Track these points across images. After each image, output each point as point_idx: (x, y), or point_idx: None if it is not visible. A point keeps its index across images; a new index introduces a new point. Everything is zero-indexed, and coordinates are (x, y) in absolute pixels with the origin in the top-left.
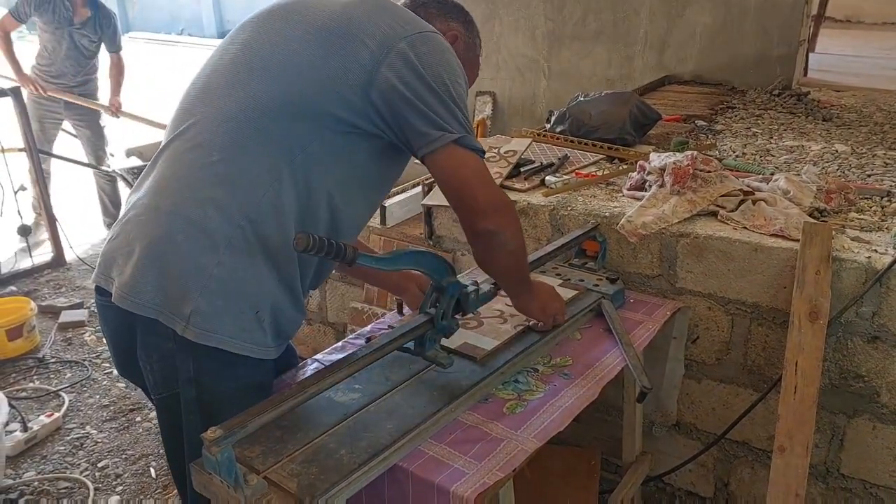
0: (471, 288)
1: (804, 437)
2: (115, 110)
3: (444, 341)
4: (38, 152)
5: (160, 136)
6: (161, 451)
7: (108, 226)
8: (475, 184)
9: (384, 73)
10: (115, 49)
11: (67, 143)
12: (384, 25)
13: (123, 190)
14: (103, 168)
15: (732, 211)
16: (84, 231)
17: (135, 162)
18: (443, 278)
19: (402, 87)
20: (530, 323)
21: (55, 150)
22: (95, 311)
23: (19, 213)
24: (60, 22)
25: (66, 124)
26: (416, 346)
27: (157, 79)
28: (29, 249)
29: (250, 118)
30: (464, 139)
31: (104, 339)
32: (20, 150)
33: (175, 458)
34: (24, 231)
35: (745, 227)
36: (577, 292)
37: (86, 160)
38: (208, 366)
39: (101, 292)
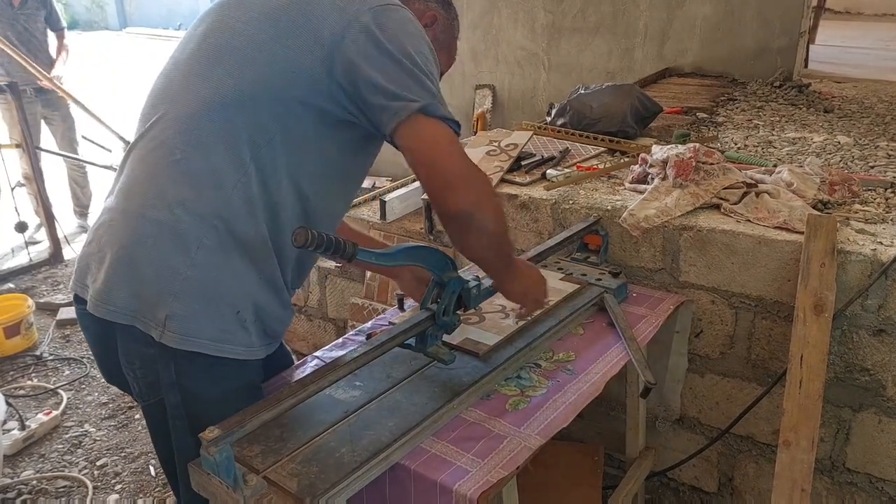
0: (472, 283)
1: (809, 432)
2: (51, 84)
3: (445, 337)
4: (36, 149)
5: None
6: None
7: (80, 216)
8: (444, 156)
9: (346, 47)
10: (59, 27)
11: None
12: (350, 8)
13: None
14: (99, 164)
15: (736, 203)
16: (77, 228)
17: None
18: (444, 273)
19: (364, 60)
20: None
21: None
22: None
23: (16, 210)
24: (1, 9)
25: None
26: (418, 342)
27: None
28: (27, 246)
29: (212, 112)
30: (430, 107)
31: (89, 347)
32: (16, 146)
33: (167, 462)
34: (22, 227)
35: (748, 220)
36: (579, 287)
37: (57, 148)
38: (190, 370)
39: (79, 300)
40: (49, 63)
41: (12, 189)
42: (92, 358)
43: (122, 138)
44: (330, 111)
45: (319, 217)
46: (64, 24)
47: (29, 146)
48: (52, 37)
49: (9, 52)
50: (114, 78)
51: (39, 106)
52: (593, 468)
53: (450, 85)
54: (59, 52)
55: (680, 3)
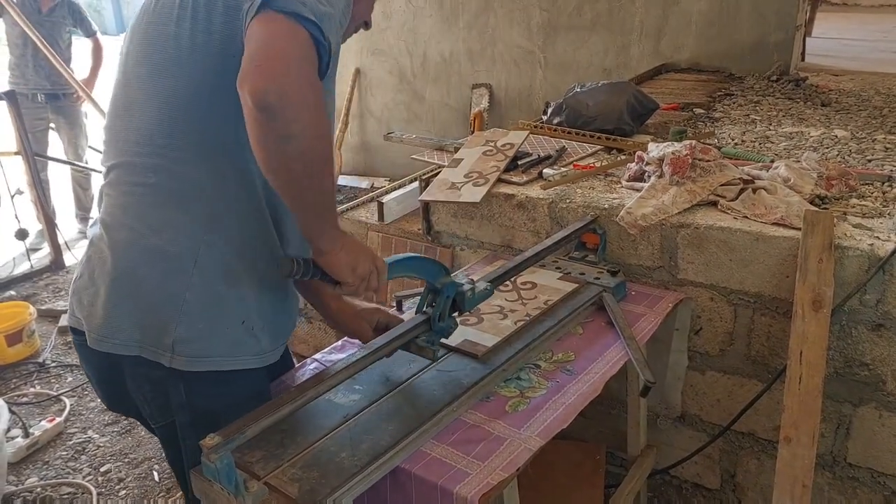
0: (467, 286)
1: (810, 427)
2: (83, 94)
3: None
4: (35, 156)
5: None
6: (163, 455)
7: (81, 220)
8: (265, 45)
9: None
10: (90, 33)
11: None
12: None
13: None
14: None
15: (733, 200)
16: (78, 233)
17: None
18: (437, 280)
19: None
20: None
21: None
22: None
23: (17, 218)
24: (29, 13)
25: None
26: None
27: None
28: (28, 254)
29: (169, 126)
30: (274, 2)
31: (88, 379)
32: (15, 153)
33: (187, 482)
34: (22, 235)
35: (745, 217)
36: (577, 286)
37: (63, 153)
38: (200, 388)
39: (76, 332)
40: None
41: (12, 196)
42: None
43: None
44: None
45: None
46: (96, 28)
47: (28, 153)
48: (84, 43)
49: (51, 59)
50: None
51: (49, 112)
52: (595, 467)
53: (447, 85)
54: (95, 58)
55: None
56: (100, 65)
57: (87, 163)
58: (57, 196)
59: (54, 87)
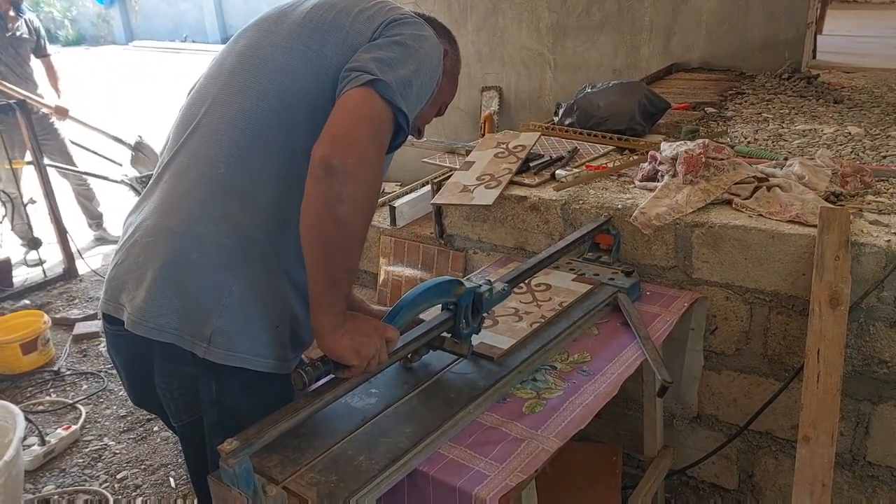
0: (484, 287)
1: (829, 426)
2: (63, 114)
3: None
4: (46, 166)
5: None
6: (180, 461)
7: (94, 227)
8: (356, 121)
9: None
10: (44, 53)
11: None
12: (381, 15)
13: (132, 200)
14: (112, 178)
15: (747, 198)
16: (94, 241)
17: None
18: (451, 294)
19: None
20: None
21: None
22: None
23: (29, 226)
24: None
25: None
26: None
27: (162, 85)
28: (40, 262)
29: (252, 124)
30: (380, 84)
31: (116, 371)
32: (27, 163)
33: (199, 481)
34: (35, 244)
35: (760, 215)
36: (591, 287)
37: (64, 176)
38: (231, 386)
39: (111, 320)
40: (34, 90)
41: (25, 206)
42: (110, 372)
43: (129, 146)
44: None
45: None
46: (49, 50)
47: (40, 163)
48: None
49: (12, 91)
50: (112, 91)
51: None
52: (612, 468)
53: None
54: (52, 81)
55: None
56: (58, 81)
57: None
58: (66, 203)
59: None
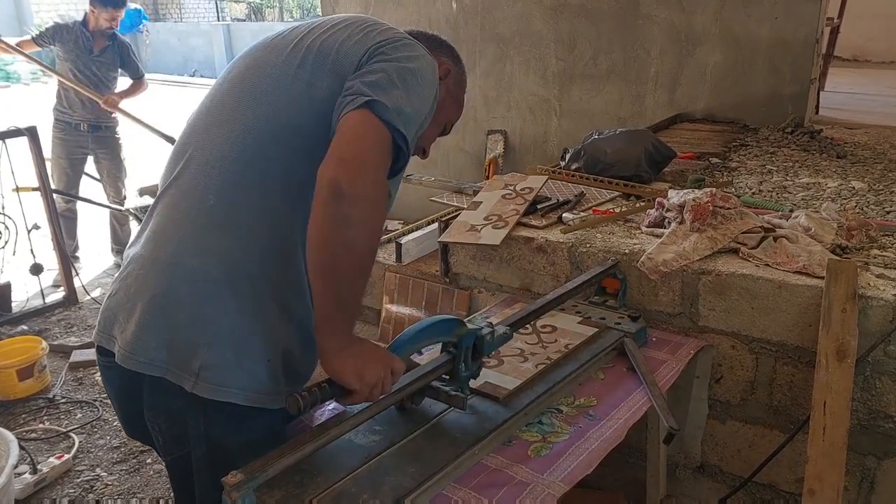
0: (485, 331)
1: (835, 480)
2: (113, 105)
3: None
4: (52, 192)
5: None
6: (173, 494)
7: (117, 253)
8: (358, 142)
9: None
10: (137, 76)
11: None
12: (369, 40)
13: (135, 228)
14: (116, 207)
15: (754, 248)
16: (97, 269)
17: (147, 201)
18: (452, 334)
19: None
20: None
21: (80, 191)
22: None
23: (32, 252)
24: (80, 52)
25: (90, 166)
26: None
27: (166, 117)
28: (41, 288)
29: (243, 156)
30: (379, 106)
31: (110, 401)
32: (34, 189)
33: None
34: (37, 270)
35: (767, 264)
36: (598, 330)
37: (105, 194)
38: (219, 420)
39: (103, 352)
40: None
41: (28, 231)
42: (105, 401)
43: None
44: None
45: None
46: (143, 73)
47: (46, 189)
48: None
49: (66, 83)
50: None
51: (90, 142)
52: None
53: (462, 131)
54: (133, 87)
55: (690, 51)
56: (135, 93)
57: (125, 197)
58: (87, 228)
59: (98, 119)
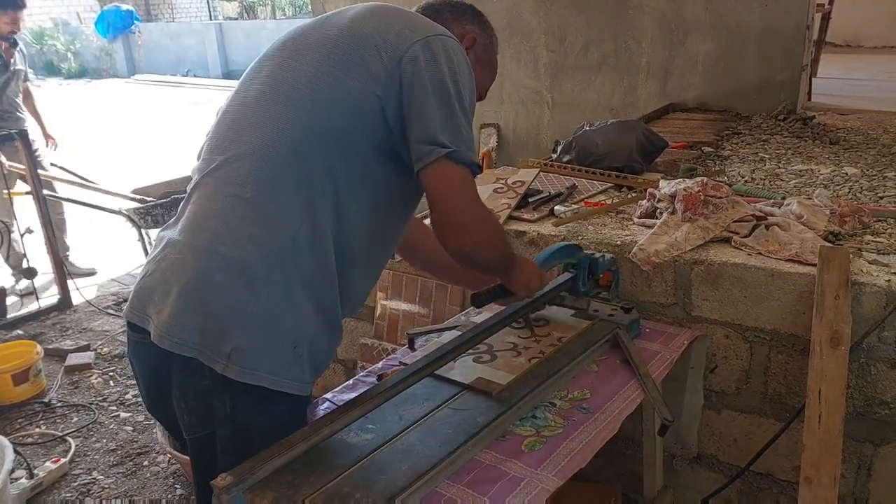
0: (597, 254)
1: (831, 468)
2: (55, 145)
3: (456, 377)
4: (46, 195)
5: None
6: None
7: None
8: (455, 199)
9: (398, 82)
10: (27, 78)
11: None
12: (393, 34)
13: (131, 231)
14: (109, 209)
15: (746, 237)
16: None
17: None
18: (574, 257)
19: (410, 94)
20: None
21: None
22: (107, 351)
23: (26, 257)
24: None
25: None
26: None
27: (163, 118)
28: (35, 292)
29: (281, 152)
30: (456, 153)
31: (135, 377)
32: (26, 193)
33: (204, 495)
34: (31, 274)
35: (759, 253)
36: (591, 323)
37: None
38: (245, 403)
39: (135, 328)
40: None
41: (22, 235)
42: (100, 404)
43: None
44: (387, 143)
45: (385, 241)
46: (31, 77)
47: (38, 193)
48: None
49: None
50: (109, 123)
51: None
52: None
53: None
54: (34, 110)
55: (681, 41)
56: (35, 104)
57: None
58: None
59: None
